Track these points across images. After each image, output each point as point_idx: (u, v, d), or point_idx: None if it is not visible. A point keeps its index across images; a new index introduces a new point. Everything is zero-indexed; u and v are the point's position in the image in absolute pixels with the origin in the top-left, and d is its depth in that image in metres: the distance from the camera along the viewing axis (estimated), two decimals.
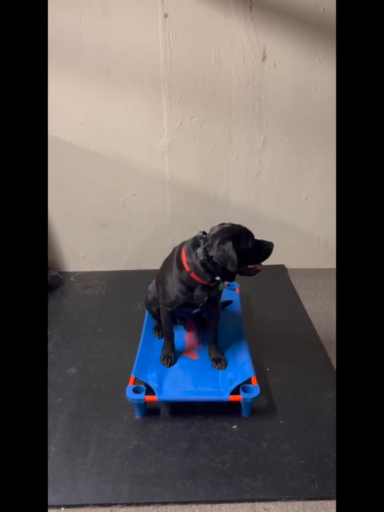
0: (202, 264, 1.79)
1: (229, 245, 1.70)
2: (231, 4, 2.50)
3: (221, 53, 2.61)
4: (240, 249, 1.74)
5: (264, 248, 1.84)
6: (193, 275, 1.83)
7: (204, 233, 1.86)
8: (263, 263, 1.89)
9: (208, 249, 1.76)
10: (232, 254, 1.70)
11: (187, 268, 1.83)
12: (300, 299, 2.82)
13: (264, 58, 2.63)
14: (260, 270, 1.88)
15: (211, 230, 1.85)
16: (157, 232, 3.12)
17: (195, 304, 1.93)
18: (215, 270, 1.80)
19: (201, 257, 1.78)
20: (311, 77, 2.67)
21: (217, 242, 1.73)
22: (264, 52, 2.61)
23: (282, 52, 2.61)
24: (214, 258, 1.76)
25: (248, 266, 1.84)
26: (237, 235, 1.76)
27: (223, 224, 1.85)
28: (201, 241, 1.81)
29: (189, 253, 1.84)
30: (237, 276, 1.87)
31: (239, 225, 1.82)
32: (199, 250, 1.79)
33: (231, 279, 1.85)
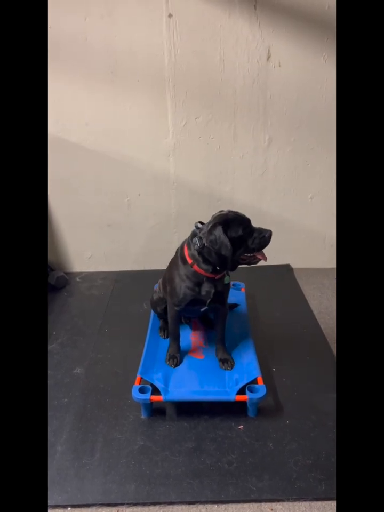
0: (199, 253, 1.81)
1: (219, 230, 1.71)
2: (236, 3, 2.49)
3: (225, 53, 2.60)
4: (233, 234, 1.73)
5: (261, 236, 1.79)
6: (196, 267, 1.84)
7: (201, 223, 1.88)
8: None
9: (202, 237, 1.78)
10: (224, 239, 1.70)
11: (189, 261, 1.85)
12: (305, 298, 2.81)
13: (268, 57, 2.62)
14: (259, 259, 1.85)
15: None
16: (162, 232, 3.12)
17: (203, 301, 1.92)
18: (211, 258, 1.80)
19: (197, 245, 1.80)
20: (316, 76, 2.66)
21: (209, 228, 1.75)
22: (268, 50, 2.60)
23: (287, 50, 2.60)
24: (206, 244, 1.77)
25: (247, 254, 1.83)
26: (228, 220, 1.75)
27: (221, 211, 1.85)
28: (198, 231, 1.84)
29: (189, 245, 1.87)
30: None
31: (234, 212, 1.81)
32: (195, 239, 1.82)
33: (230, 267, 1.84)
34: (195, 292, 1.89)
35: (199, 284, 1.87)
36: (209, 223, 1.80)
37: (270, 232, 1.80)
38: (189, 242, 1.87)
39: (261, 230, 1.80)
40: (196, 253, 1.82)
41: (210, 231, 1.74)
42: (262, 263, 1.86)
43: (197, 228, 1.87)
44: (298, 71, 2.65)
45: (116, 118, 2.76)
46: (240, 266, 1.88)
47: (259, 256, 1.84)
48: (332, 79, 2.65)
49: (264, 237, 1.79)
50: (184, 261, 1.88)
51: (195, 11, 2.50)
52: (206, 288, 1.87)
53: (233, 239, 1.73)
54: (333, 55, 2.59)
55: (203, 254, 1.81)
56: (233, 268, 1.86)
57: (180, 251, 1.92)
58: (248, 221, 1.80)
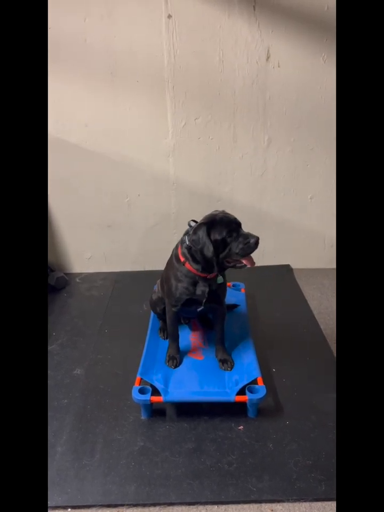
0: (188, 251, 1.81)
1: (203, 230, 1.71)
2: (235, 4, 2.49)
3: (224, 53, 2.60)
4: (216, 236, 1.72)
5: (246, 241, 1.73)
6: (187, 265, 1.84)
7: (194, 221, 1.88)
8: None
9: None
10: (206, 239, 1.70)
11: (182, 259, 1.86)
12: (305, 299, 2.81)
13: (268, 57, 2.62)
14: (245, 265, 1.79)
15: None
16: (162, 232, 3.12)
17: (198, 301, 1.92)
18: (197, 256, 1.80)
19: (186, 243, 1.81)
20: (316, 76, 2.66)
21: (194, 227, 1.76)
22: (268, 51, 2.60)
23: (286, 51, 2.60)
24: (188, 243, 1.78)
25: (233, 258, 1.79)
26: (214, 221, 1.74)
27: (216, 211, 1.85)
28: (190, 229, 1.84)
29: (182, 243, 1.88)
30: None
31: (225, 214, 1.79)
32: (185, 237, 1.82)
33: (217, 269, 1.80)
34: (190, 291, 1.89)
35: (193, 284, 1.88)
36: (198, 222, 1.81)
37: (256, 240, 1.73)
38: (182, 240, 1.89)
39: (248, 236, 1.74)
40: (186, 251, 1.83)
41: (194, 231, 1.74)
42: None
43: (190, 226, 1.88)
44: (297, 72, 2.65)
45: (116, 118, 2.76)
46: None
47: (244, 262, 1.79)
48: (331, 79, 2.65)
49: (248, 243, 1.73)
50: (177, 259, 1.89)
51: (194, 12, 2.50)
52: (201, 287, 1.88)
53: (217, 241, 1.72)
54: (333, 55, 2.59)
55: (191, 252, 1.81)
56: (220, 269, 1.84)
57: (175, 250, 1.94)
58: (237, 224, 1.77)
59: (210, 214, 1.82)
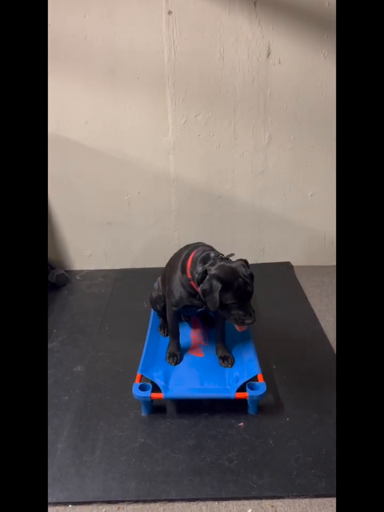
0: (197, 280, 1.76)
1: (217, 288, 1.65)
2: (235, 0, 2.48)
3: (225, 50, 2.60)
4: (222, 298, 1.67)
5: (243, 318, 1.72)
6: (192, 283, 1.82)
7: (218, 255, 1.81)
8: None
9: (208, 271, 1.71)
10: (216, 298, 1.66)
11: (189, 275, 1.83)
12: (306, 296, 2.81)
13: (268, 54, 2.61)
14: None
15: (225, 257, 1.82)
16: (162, 230, 3.12)
17: (198, 305, 1.93)
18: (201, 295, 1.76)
19: (197, 275, 1.75)
20: (316, 73, 2.66)
21: (210, 275, 1.69)
22: (268, 48, 2.59)
23: (287, 48, 2.59)
24: (199, 288, 1.74)
25: (231, 316, 1.75)
26: (232, 285, 1.66)
27: (240, 260, 1.78)
28: (211, 261, 1.76)
29: (194, 263, 1.81)
30: None
31: (244, 279, 1.70)
32: (200, 268, 1.75)
33: (211, 309, 1.75)
34: (190, 300, 1.90)
35: (194, 295, 1.87)
36: (218, 267, 1.71)
37: (251, 322, 1.73)
38: (196, 260, 1.81)
39: (247, 314, 1.72)
40: (194, 278, 1.78)
41: (209, 280, 1.67)
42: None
43: (211, 257, 1.78)
44: (298, 69, 2.65)
45: (116, 116, 2.75)
46: None
47: (237, 327, 1.79)
48: (332, 76, 2.65)
49: (243, 321, 1.73)
50: (183, 270, 1.86)
51: (195, 8, 2.49)
52: (199, 299, 1.85)
53: (221, 302, 1.69)
54: (333, 52, 2.59)
55: (199, 283, 1.75)
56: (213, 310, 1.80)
57: (184, 257, 1.89)
58: (248, 297, 1.73)
59: (231, 269, 1.71)
